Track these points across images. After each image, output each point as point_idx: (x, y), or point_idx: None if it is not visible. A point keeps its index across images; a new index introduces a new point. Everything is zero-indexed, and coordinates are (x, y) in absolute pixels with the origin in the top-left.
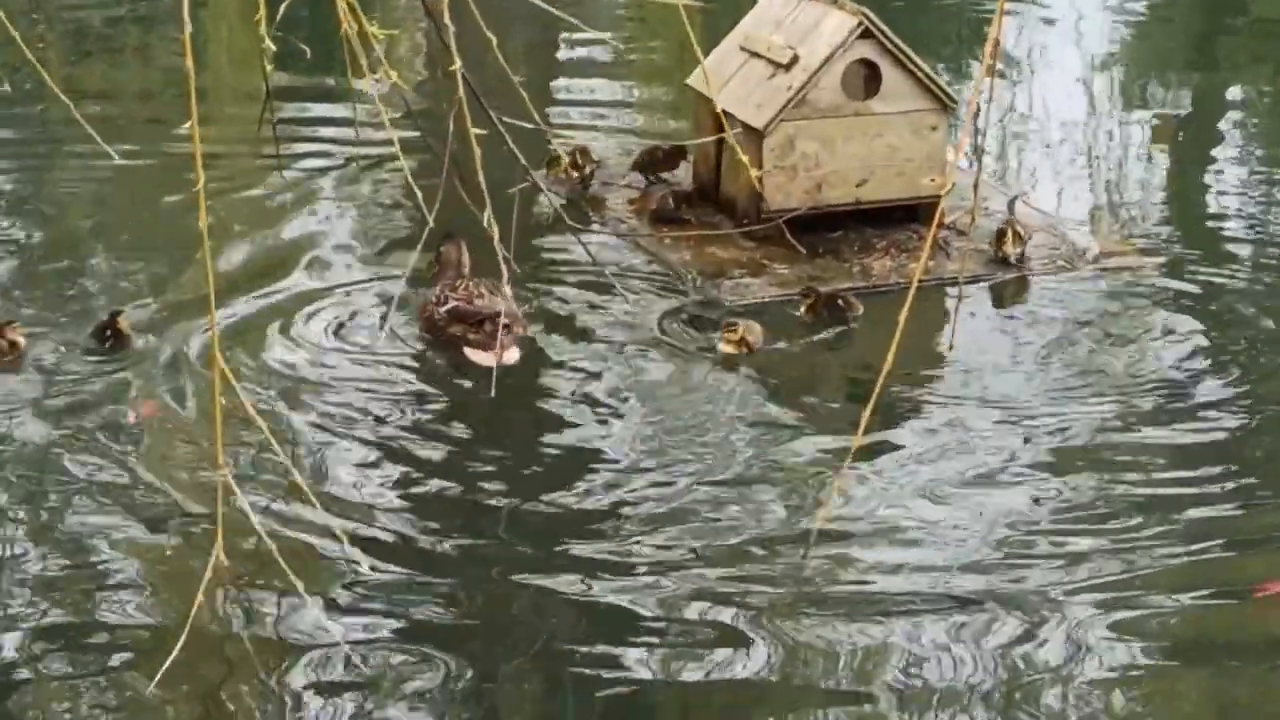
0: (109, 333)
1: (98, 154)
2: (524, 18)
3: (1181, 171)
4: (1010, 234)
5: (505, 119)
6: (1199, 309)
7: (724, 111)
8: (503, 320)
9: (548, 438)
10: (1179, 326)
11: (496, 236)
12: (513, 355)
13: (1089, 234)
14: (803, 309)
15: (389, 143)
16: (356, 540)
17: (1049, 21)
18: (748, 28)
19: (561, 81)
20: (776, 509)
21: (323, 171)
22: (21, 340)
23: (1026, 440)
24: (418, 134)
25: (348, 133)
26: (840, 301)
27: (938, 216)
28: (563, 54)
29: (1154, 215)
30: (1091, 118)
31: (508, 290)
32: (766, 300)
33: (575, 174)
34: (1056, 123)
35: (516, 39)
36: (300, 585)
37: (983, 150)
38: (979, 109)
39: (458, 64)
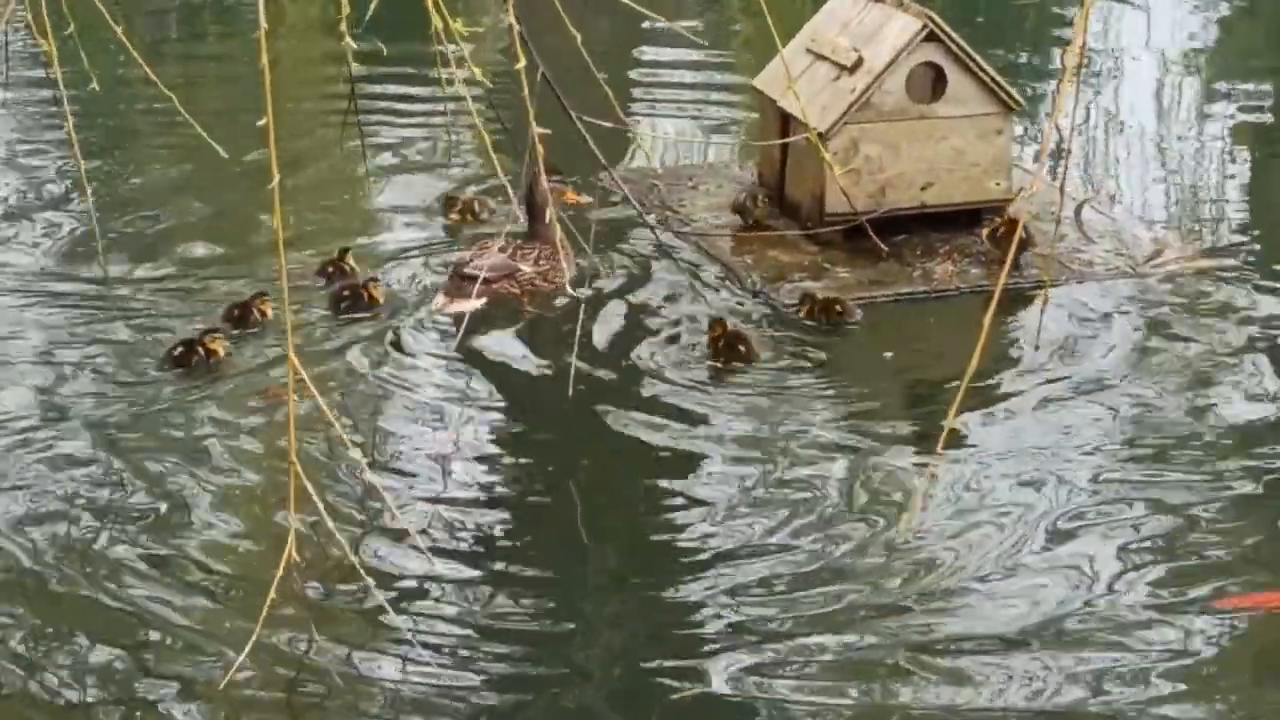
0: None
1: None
2: (605, 11)
3: (1265, 172)
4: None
5: (585, 117)
6: (1270, 318)
7: (790, 114)
8: (469, 272)
9: (615, 443)
10: (1246, 338)
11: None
12: (459, 306)
13: (1157, 238)
14: (801, 313)
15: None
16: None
17: (1131, 16)
18: (814, 29)
19: (642, 75)
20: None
21: (401, 158)
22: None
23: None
24: (498, 124)
25: (424, 120)
26: (838, 308)
27: (1019, 228)
28: (643, 48)
29: (1233, 218)
30: (1172, 116)
31: (522, 253)
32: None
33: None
34: (1136, 121)
35: (598, 33)
36: (372, 583)
37: (1067, 152)
38: (1060, 118)
39: (522, 63)
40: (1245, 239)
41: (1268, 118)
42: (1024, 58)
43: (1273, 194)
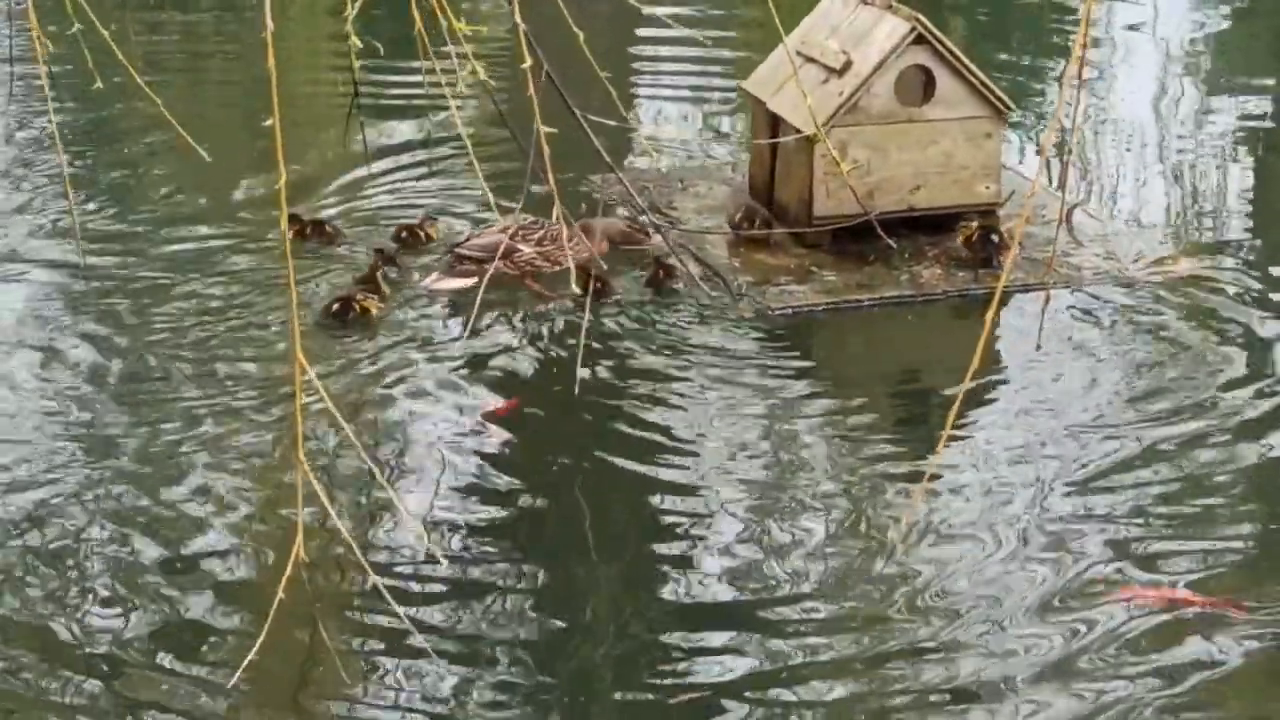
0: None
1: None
2: (606, 11)
3: (1262, 177)
4: (979, 237)
5: (590, 116)
6: (1259, 325)
7: (779, 116)
8: (462, 251)
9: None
10: (1235, 343)
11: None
12: (447, 284)
13: (1149, 242)
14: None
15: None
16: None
17: (1131, 17)
18: (805, 31)
19: (644, 76)
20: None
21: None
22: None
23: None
24: (502, 123)
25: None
26: (598, 284)
27: (1018, 235)
28: (644, 48)
29: (1227, 223)
30: (1170, 118)
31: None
32: (815, 308)
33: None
34: (1133, 123)
35: (599, 33)
36: (379, 582)
37: (1069, 152)
38: (1064, 125)
39: (528, 62)
40: (1239, 244)
41: (1268, 109)
42: (1026, 59)
43: (1268, 200)
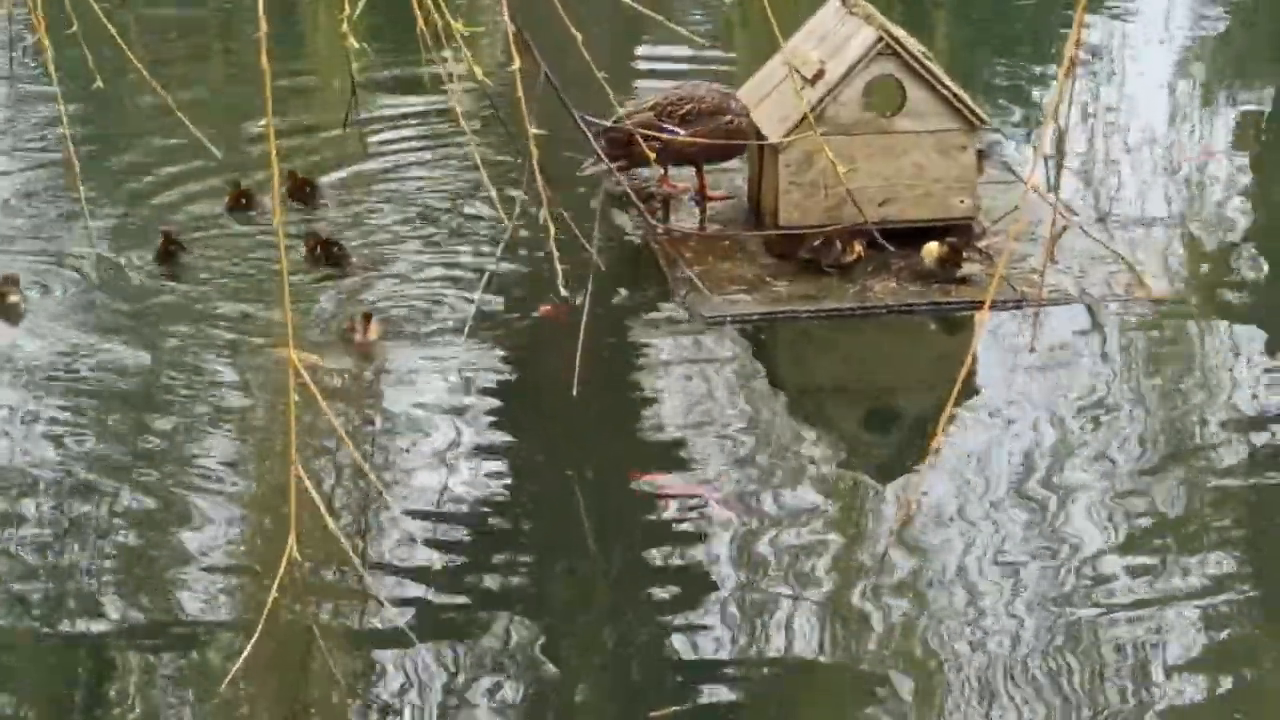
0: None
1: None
2: (606, 13)
3: (1266, 179)
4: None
5: (587, 116)
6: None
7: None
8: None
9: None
10: (1196, 375)
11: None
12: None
13: (1127, 263)
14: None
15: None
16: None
17: (1126, 17)
18: (795, 41)
19: (645, 78)
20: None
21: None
22: None
23: None
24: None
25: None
26: (335, 249)
27: (1007, 251)
28: (645, 50)
29: (1210, 251)
30: (1169, 119)
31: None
32: (749, 318)
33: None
34: (1130, 126)
35: (599, 33)
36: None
37: (1060, 155)
38: (1058, 132)
39: (517, 64)
40: (1218, 271)
41: (1266, 110)
42: (1024, 65)
43: (1266, 204)
